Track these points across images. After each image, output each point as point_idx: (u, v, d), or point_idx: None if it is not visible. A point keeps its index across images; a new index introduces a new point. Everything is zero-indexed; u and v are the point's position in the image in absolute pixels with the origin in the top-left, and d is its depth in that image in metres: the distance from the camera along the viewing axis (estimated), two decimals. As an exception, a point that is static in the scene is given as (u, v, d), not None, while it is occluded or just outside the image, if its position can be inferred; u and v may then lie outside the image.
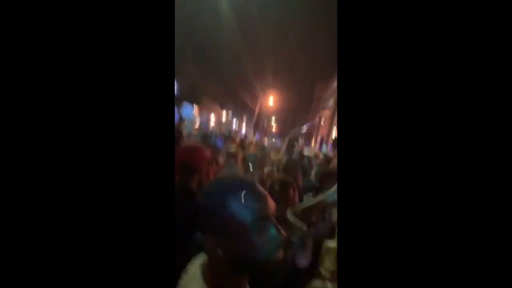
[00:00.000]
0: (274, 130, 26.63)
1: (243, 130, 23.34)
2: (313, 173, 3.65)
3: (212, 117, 19.91)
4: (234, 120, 25.67)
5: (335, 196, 1.23)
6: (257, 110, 23.29)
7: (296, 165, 3.14)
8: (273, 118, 26.55)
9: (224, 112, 24.15)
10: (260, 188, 0.75)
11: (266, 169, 3.72)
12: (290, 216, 1.28)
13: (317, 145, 20.36)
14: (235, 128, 24.37)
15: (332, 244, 1.36)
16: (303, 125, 25.28)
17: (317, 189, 2.46)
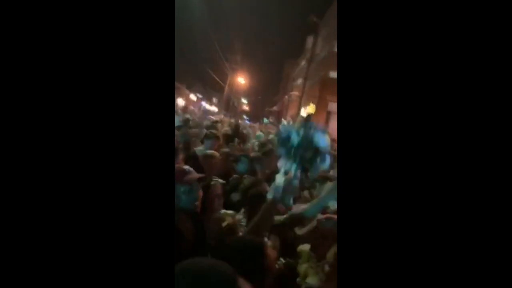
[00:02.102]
0: (244, 109, 26.64)
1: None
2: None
3: (180, 101, 19.32)
4: (203, 103, 25.13)
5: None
6: (226, 89, 22.93)
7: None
8: (243, 98, 26.48)
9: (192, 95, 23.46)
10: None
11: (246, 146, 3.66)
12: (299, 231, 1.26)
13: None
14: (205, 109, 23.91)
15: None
16: (273, 104, 25.33)
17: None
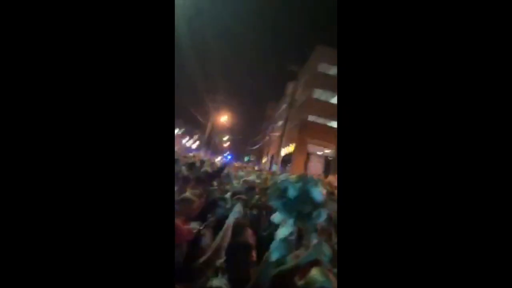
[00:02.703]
0: (225, 147, 26.80)
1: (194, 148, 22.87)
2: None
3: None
4: (187, 138, 25.10)
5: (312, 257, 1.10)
6: (209, 127, 23.14)
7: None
8: (225, 136, 26.79)
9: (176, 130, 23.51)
10: None
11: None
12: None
13: (268, 163, 20.86)
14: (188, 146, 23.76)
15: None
16: (254, 144, 25.72)
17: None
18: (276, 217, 1.26)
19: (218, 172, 3.77)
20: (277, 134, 22.74)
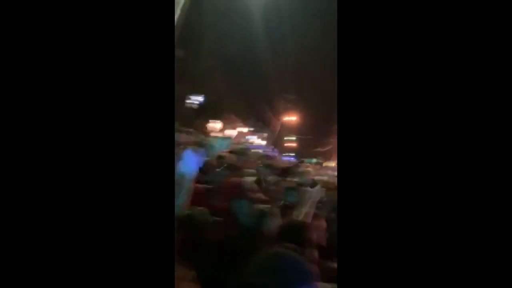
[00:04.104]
0: (292, 146, 26.29)
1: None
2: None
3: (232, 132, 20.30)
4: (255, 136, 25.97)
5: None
6: (279, 126, 23.55)
7: None
8: (292, 136, 26.63)
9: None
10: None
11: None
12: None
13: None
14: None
15: None
16: (324, 145, 24.91)
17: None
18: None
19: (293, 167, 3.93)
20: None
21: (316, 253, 1.61)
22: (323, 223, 1.81)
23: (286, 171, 3.78)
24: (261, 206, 1.70)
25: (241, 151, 4.23)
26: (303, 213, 1.77)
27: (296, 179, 3.41)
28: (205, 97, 15.16)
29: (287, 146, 25.31)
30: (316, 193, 1.94)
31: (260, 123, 25.08)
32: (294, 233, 1.30)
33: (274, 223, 1.64)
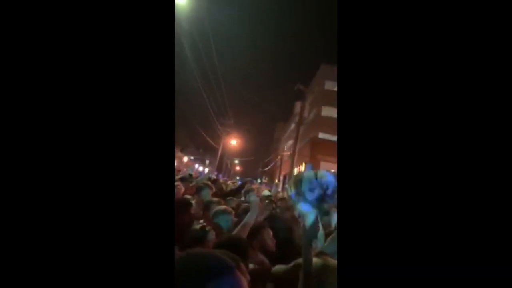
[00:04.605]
0: (237, 170, 26.14)
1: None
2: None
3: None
4: (196, 164, 25.35)
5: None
6: (220, 151, 23.45)
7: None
8: (236, 159, 26.59)
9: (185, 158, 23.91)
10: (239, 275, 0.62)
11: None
12: None
13: (280, 183, 20.37)
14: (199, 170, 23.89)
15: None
16: (266, 165, 25.42)
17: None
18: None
19: (239, 188, 3.85)
20: (288, 153, 22.64)
21: (261, 257, 1.71)
22: (267, 232, 1.88)
23: (230, 193, 3.87)
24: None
25: (184, 178, 4.12)
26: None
27: (242, 199, 3.52)
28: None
29: (234, 169, 25.22)
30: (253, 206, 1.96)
31: (201, 150, 24.63)
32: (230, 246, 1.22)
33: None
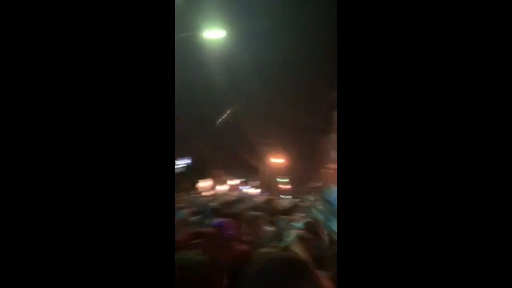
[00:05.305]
0: (285, 188, 25.52)
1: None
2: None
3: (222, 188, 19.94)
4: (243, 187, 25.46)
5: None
6: (264, 171, 23.33)
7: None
8: (282, 177, 26.04)
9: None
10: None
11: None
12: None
13: None
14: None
15: None
16: (313, 180, 24.69)
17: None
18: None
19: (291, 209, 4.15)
20: (333, 165, 21.79)
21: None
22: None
23: (284, 212, 3.95)
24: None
25: (237, 201, 4.26)
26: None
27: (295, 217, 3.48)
28: (192, 159, 14.95)
29: (281, 188, 24.91)
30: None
31: (247, 173, 24.82)
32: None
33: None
